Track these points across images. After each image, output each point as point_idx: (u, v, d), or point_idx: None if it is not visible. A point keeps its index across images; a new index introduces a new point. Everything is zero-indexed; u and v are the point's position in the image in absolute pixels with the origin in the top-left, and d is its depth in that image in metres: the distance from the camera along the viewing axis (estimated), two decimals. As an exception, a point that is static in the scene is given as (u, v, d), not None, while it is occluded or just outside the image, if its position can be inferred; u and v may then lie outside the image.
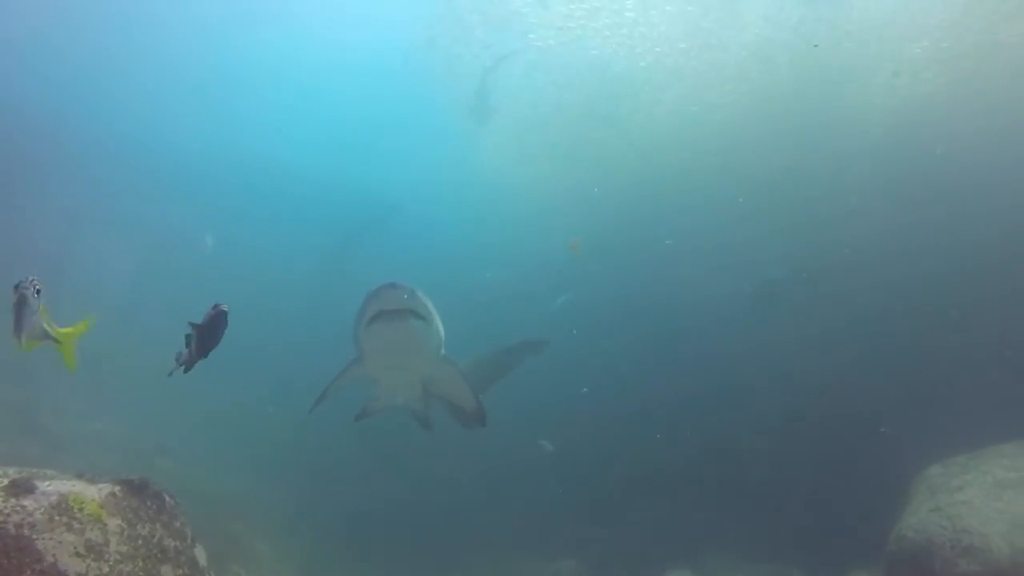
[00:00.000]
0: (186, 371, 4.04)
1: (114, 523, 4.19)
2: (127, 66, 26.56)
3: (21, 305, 3.87)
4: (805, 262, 15.15)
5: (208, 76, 29.26)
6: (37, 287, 3.89)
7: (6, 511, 3.87)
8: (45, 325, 3.92)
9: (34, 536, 3.82)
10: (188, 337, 3.96)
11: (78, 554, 3.89)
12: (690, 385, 14.64)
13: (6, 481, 4.11)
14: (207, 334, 3.87)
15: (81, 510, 4.09)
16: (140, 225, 21.92)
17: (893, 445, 10.89)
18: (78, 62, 25.35)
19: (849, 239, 15.11)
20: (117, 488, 4.44)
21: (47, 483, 4.18)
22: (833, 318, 14.38)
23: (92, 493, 4.26)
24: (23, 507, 3.91)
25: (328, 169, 29.66)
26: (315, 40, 27.84)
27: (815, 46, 15.33)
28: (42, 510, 3.95)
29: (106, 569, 3.95)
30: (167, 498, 4.76)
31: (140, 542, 4.26)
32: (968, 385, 11.74)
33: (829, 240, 15.46)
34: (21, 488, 4.05)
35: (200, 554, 4.82)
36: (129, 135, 25.11)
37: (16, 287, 3.84)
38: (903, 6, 15.58)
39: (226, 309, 3.91)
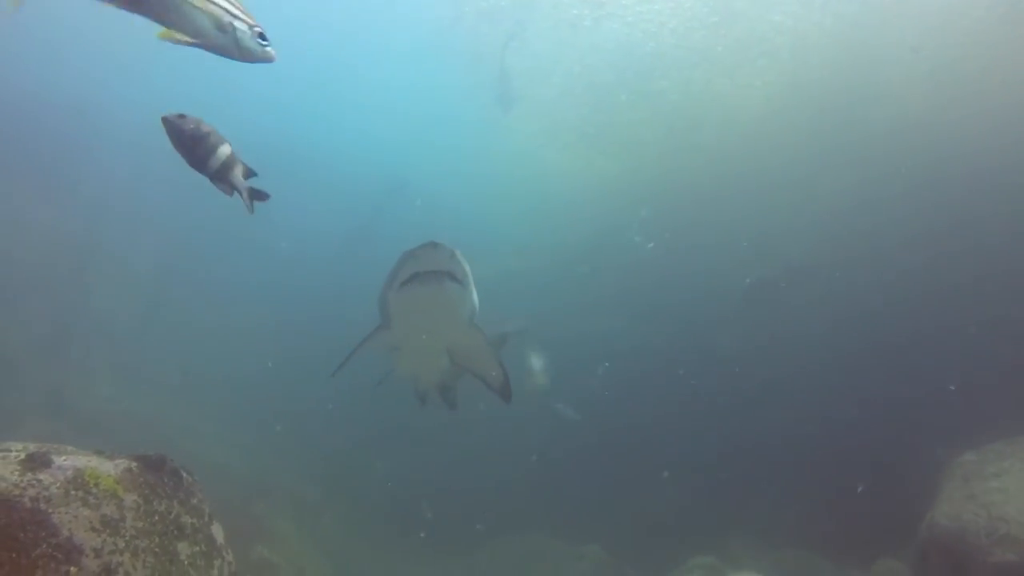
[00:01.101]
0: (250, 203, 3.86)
1: (130, 499, 4.14)
2: (149, 48, 26.70)
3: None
4: (827, 252, 14.93)
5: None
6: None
7: (22, 484, 3.82)
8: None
9: (50, 510, 3.77)
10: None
11: (93, 529, 3.84)
12: (720, 373, 14.50)
13: (23, 455, 4.07)
14: (189, 152, 3.58)
15: (97, 485, 4.04)
16: (169, 210, 22.02)
17: (925, 431, 10.69)
18: (103, 49, 25.54)
19: (882, 224, 14.84)
20: (134, 464, 4.39)
21: (64, 458, 4.14)
22: (862, 305, 14.16)
23: (109, 468, 4.21)
24: (39, 481, 3.87)
25: (351, 154, 29.71)
26: (339, 22, 27.83)
27: (916, 51, 14.81)
28: (58, 484, 3.90)
29: (122, 544, 3.90)
30: (184, 475, 4.71)
31: (156, 518, 4.21)
32: (1000, 373, 11.50)
33: (862, 226, 15.17)
34: (38, 462, 4.00)
35: (218, 532, 4.76)
36: (154, 120, 25.25)
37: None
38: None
39: (170, 116, 3.59)
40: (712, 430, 13.76)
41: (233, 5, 3.39)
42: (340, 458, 14.79)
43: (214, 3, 3.25)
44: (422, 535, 12.62)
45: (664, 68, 19.51)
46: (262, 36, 3.60)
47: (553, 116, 22.56)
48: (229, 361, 17.18)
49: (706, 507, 12.41)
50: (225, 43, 3.44)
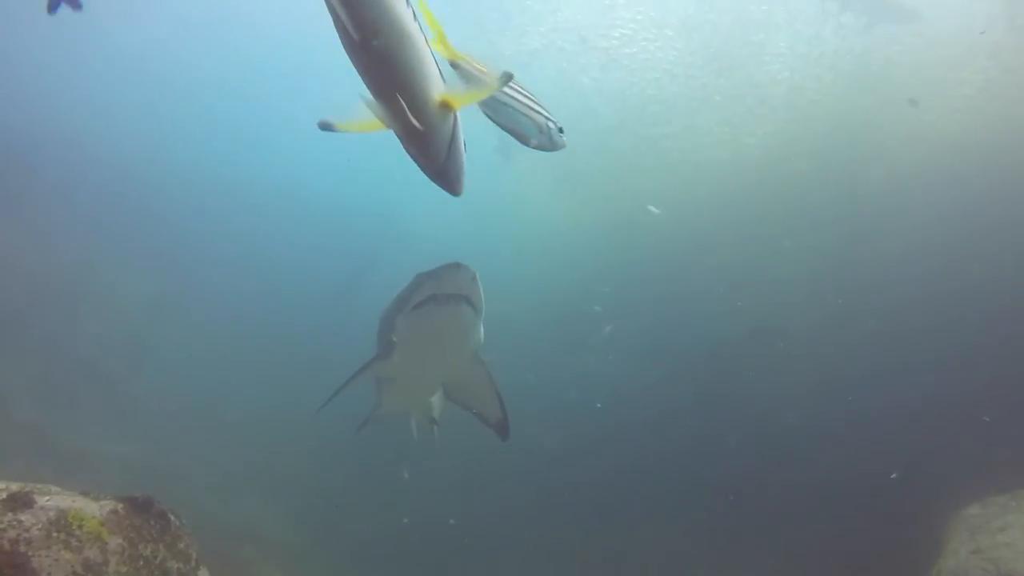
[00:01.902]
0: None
1: (115, 542, 3.98)
2: (148, 82, 27.05)
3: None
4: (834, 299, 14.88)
5: (235, 99, 29.69)
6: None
7: (2, 526, 3.68)
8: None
9: (30, 553, 3.62)
10: None
11: (75, 573, 3.68)
12: (721, 419, 14.38)
13: (4, 495, 3.92)
14: None
15: (81, 527, 3.89)
16: (161, 248, 22.00)
17: (928, 485, 10.53)
18: (104, 79, 25.82)
19: (873, 282, 14.84)
20: (120, 506, 4.24)
21: (47, 498, 3.99)
22: (867, 358, 14.05)
23: (93, 510, 4.07)
24: (20, 522, 3.72)
25: (348, 195, 29.87)
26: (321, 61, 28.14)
27: (914, 104, 15.00)
28: (40, 526, 3.75)
29: (104, 590, 3.75)
30: (172, 518, 4.55)
31: (141, 563, 4.05)
32: (1005, 425, 11.37)
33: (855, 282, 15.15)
34: (19, 502, 3.86)
35: (205, 577, 4.61)
36: (152, 152, 25.37)
37: None
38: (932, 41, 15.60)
39: None
40: (710, 477, 13.55)
41: (541, 106, 3.82)
42: (329, 502, 14.51)
43: (535, 110, 3.74)
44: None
45: (667, 114, 19.76)
46: (560, 129, 3.91)
47: (553, 159, 22.71)
48: (221, 402, 16.97)
49: (710, 555, 12.17)
50: (541, 142, 3.86)
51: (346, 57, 2.41)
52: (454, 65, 3.49)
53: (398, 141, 2.61)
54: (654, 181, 20.22)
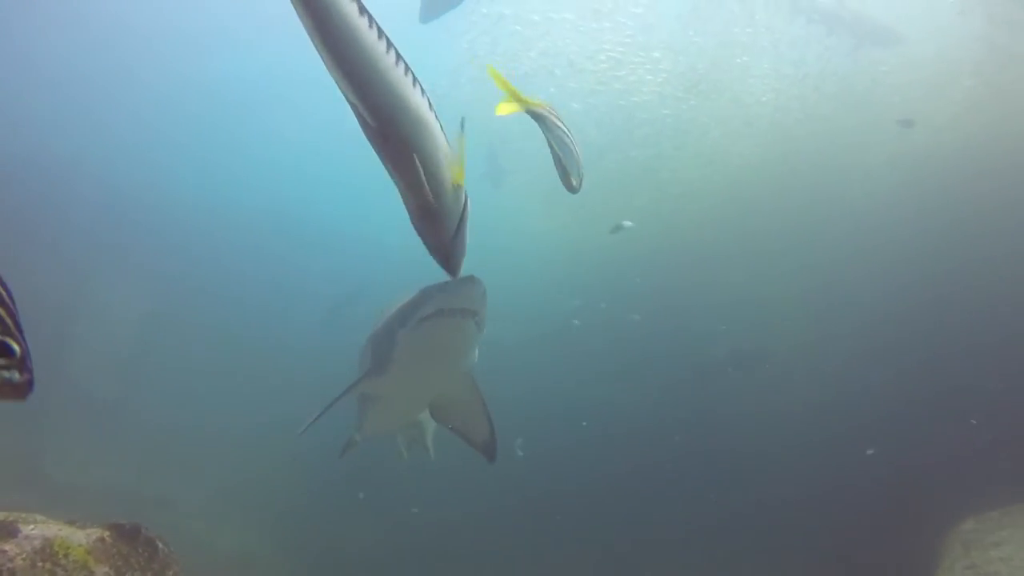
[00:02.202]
0: None
1: (101, 571, 3.93)
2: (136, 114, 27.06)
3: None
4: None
5: (230, 119, 29.77)
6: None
7: (-14, 556, 3.62)
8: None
9: (14, 583, 3.56)
10: None
11: (61, 603, 3.62)
12: (718, 437, 14.37)
13: (-11, 524, 3.87)
14: None
15: (67, 556, 3.84)
16: (148, 275, 21.87)
17: (922, 501, 10.53)
18: (88, 111, 25.80)
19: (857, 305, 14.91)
20: (107, 533, 4.18)
21: (32, 527, 3.94)
22: (857, 376, 14.07)
23: (80, 538, 4.01)
24: (3, 552, 3.66)
25: (339, 217, 29.91)
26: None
27: (907, 124, 15.12)
28: (24, 555, 3.70)
29: (90, 620, 3.69)
30: (160, 546, 4.49)
31: (128, 591, 4.00)
32: (999, 440, 11.39)
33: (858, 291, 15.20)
34: (3, 532, 3.80)
35: (194, 606, 4.54)
36: (141, 183, 25.32)
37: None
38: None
39: None
40: (701, 492, 13.53)
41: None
42: (320, 527, 14.37)
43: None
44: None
45: (655, 136, 19.92)
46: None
47: (543, 181, 22.82)
48: (211, 425, 16.84)
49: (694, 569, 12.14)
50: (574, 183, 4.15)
51: (334, 81, 2.43)
52: (533, 115, 3.86)
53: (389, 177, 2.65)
54: (645, 201, 20.33)
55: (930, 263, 14.06)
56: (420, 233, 2.75)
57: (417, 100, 2.42)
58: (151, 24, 26.70)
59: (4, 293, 1.92)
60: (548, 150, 4.04)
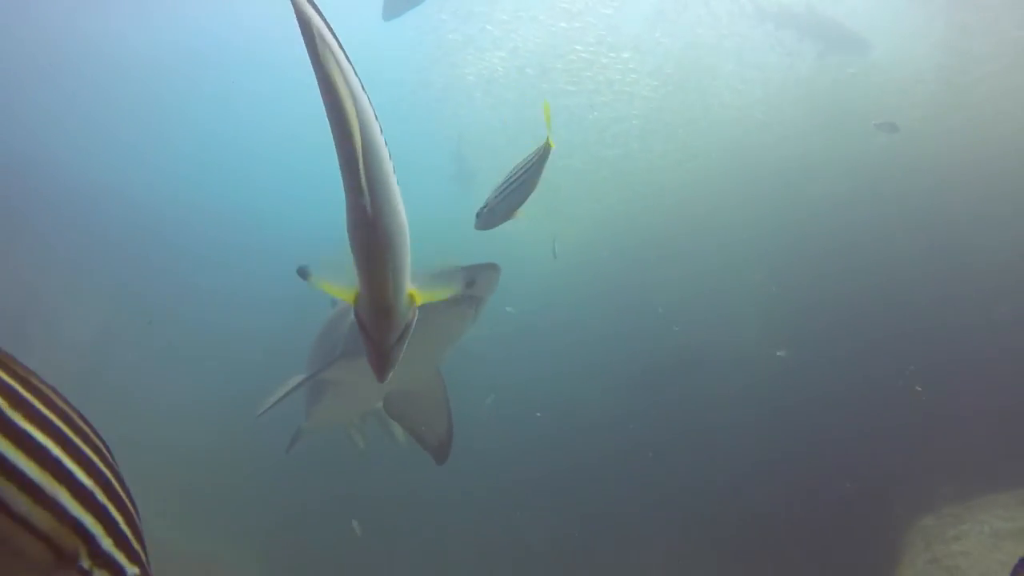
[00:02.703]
0: None
1: None
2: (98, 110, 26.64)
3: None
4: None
5: (192, 124, 29.42)
6: None
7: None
8: None
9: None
10: None
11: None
12: (676, 430, 14.45)
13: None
14: None
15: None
16: (112, 276, 21.49)
17: (882, 497, 10.66)
18: (47, 107, 25.34)
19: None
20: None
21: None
22: (818, 376, 14.21)
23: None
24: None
25: (306, 223, 29.66)
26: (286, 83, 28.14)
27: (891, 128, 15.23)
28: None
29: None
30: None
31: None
32: (957, 435, 11.58)
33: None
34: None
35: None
36: (99, 183, 24.86)
37: None
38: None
39: None
40: (657, 493, 13.62)
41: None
42: (285, 532, 14.24)
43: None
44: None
45: (624, 135, 20.03)
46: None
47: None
48: (171, 434, 16.60)
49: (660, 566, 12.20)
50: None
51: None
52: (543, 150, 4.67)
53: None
54: (615, 201, 20.44)
55: (892, 263, 14.25)
56: (364, 327, 2.85)
57: (402, 208, 2.64)
58: (102, 24, 26.35)
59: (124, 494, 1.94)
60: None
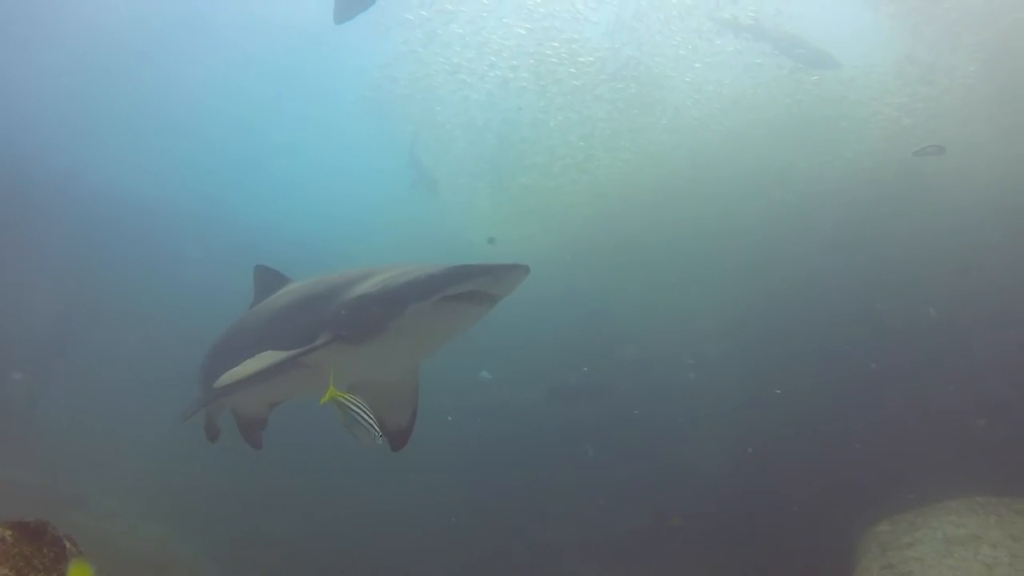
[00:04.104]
0: None
1: (1, 573, 3.69)
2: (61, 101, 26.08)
3: None
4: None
5: (155, 111, 29.01)
6: None
7: None
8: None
9: (-97, 586, 3.32)
10: None
11: (-46, 607, 3.39)
12: (631, 434, 14.53)
13: None
14: None
15: (-37, 557, 3.59)
16: (61, 271, 20.98)
17: (837, 503, 10.79)
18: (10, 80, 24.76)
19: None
20: (8, 533, 3.91)
21: (-76, 526, 3.68)
22: (782, 380, 14.37)
23: (-22, 538, 3.76)
24: None
25: (273, 218, 29.36)
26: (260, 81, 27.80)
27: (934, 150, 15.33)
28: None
29: (-14, 626, 3.45)
30: (68, 545, 4.23)
31: (31, 595, 3.76)
32: (910, 443, 11.78)
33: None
34: None
35: (104, 611, 4.31)
36: (54, 171, 24.29)
37: None
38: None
39: None
40: (607, 502, 13.69)
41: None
42: (242, 529, 14.03)
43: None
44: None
45: (587, 137, 20.13)
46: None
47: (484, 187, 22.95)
48: (127, 425, 16.28)
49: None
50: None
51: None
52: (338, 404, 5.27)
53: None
54: (581, 203, 20.53)
55: (855, 269, 14.46)
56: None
57: None
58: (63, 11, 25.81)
59: None
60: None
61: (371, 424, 5.98)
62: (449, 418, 13.91)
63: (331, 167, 33.29)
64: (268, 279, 7.54)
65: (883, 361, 13.05)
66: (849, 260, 14.70)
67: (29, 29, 25.54)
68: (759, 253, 16.15)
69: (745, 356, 14.80)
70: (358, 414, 5.88)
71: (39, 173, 23.31)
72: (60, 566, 4.09)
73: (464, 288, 5.29)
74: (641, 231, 18.19)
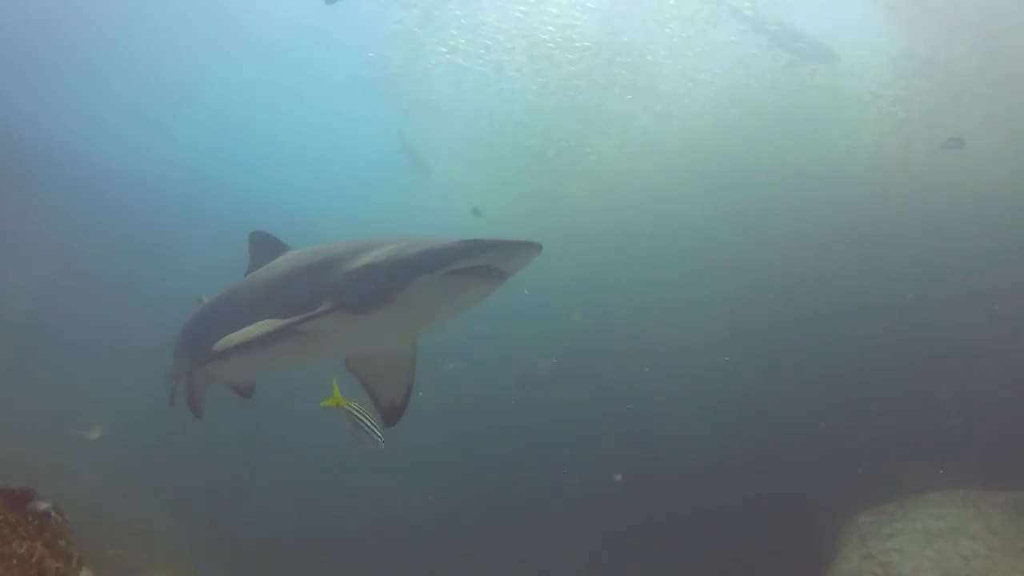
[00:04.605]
0: None
1: (-14, 539, 3.68)
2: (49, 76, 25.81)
3: None
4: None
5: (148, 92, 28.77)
6: None
7: None
8: None
9: None
10: None
11: (-62, 572, 3.38)
12: (609, 432, 14.57)
13: None
14: None
15: (-53, 523, 3.58)
16: (46, 242, 20.81)
17: (820, 495, 10.87)
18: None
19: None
20: (-7, 499, 3.93)
21: (-90, 491, 3.66)
22: (765, 375, 14.42)
23: (-37, 504, 3.75)
24: None
25: (258, 196, 29.25)
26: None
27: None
28: (-101, 520, 3.43)
29: (-29, 591, 3.45)
30: (53, 513, 4.23)
31: (15, 561, 3.75)
32: (892, 436, 11.87)
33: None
34: None
35: (87, 578, 4.31)
36: (40, 141, 24.07)
37: None
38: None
39: None
40: (589, 495, 13.73)
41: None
42: (224, 499, 14.04)
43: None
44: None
45: (581, 123, 20.07)
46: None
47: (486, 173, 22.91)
48: (109, 397, 16.21)
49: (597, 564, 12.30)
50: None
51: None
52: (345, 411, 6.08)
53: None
54: (573, 187, 20.52)
55: (845, 264, 14.51)
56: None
57: None
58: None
59: None
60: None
61: (374, 429, 6.10)
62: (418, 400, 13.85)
63: (321, 145, 33.07)
64: (265, 246, 7.38)
65: (868, 356, 13.12)
66: (841, 254, 14.75)
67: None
68: (750, 245, 16.17)
69: (732, 349, 14.86)
70: (362, 421, 6.01)
71: (28, 145, 23.11)
72: (44, 534, 4.09)
73: (474, 262, 5.18)
74: (633, 221, 18.21)
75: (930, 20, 15.78)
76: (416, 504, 13.91)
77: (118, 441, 14.91)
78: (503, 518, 13.70)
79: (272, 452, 14.32)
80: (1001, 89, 15.37)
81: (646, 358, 15.65)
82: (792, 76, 17.60)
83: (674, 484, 13.32)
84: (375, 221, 25.51)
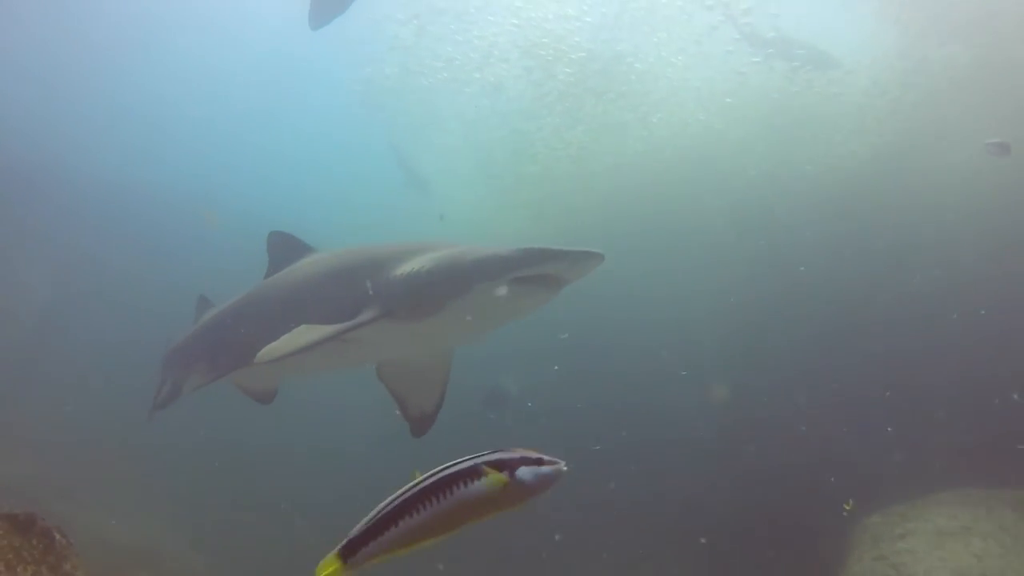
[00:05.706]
0: None
1: (-10, 564, 3.64)
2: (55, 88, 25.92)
3: None
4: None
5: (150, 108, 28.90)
6: None
7: None
8: None
9: None
10: None
11: (-57, 599, 3.33)
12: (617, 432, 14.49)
13: None
14: None
15: (-49, 548, 3.54)
16: (50, 256, 20.82)
17: (831, 496, 10.81)
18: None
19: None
20: (-3, 524, 3.88)
21: (-87, 517, 3.62)
22: (770, 372, 14.37)
23: (-33, 529, 3.71)
24: None
25: (260, 210, 29.26)
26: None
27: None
28: (-97, 547, 3.39)
29: (-24, 617, 3.40)
30: (57, 536, 4.19)
31: (20, 586, 3.71)
32: (904, 436, 11.81)
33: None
34: None
35: (93, 602, 4.27)
36: (40, 161, 24.10)
37: None
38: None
39: None
40: (615, 501, 13.63)
41: None
42: (230, 521, 13.97)
43: None
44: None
45: (578, 132, 20.11)
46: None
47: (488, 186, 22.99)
48: (114, 417, 16.16)
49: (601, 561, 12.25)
50: None
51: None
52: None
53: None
54: (574, 193, 20.55)
55: (853, 267, 14.46)
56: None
57: None
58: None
59: None
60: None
61: None
62: None
63: (320, 155, 33.21)
64: (286, 247, 7.15)
65: (877, 353, 13.06)
66: (840, 254, 14.71)
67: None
68: (747, 250, 16.13)
69: (733, 349, 14.83)
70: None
71: (30, 160, 23.15)
72: (49, 558, 4.05)
73: (537, 270, 5.06)
74: (631, 229, 18.16)
75: (922, 15, 15.81)
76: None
77: (124, 464, 14.91)
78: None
79: (290, 465, 14.20)
80: (999, 88, 15.35)
81: (646, 358, 15.62)
82: (787, 80, 17.60)
83: (683, 480, 13.28)
84: (375, 225, 25.54)
